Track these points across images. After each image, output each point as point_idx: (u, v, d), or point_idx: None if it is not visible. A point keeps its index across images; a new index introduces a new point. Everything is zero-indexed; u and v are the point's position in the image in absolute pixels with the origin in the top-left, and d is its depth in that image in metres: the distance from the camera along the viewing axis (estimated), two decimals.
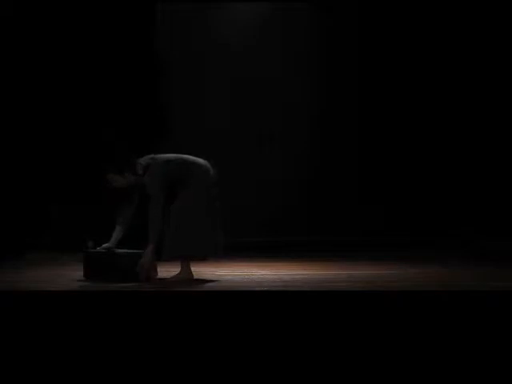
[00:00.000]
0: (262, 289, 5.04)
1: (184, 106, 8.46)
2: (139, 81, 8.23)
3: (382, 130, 8.45)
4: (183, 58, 8.49)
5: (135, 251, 5.50)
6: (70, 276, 5.60)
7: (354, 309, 4.56)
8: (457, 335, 4.47)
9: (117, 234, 5.56)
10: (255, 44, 8.54)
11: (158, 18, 8.45)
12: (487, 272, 6.06)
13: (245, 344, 4.45)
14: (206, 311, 4.53)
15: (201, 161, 5.64)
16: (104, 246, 5.53)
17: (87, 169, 8.07)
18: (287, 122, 8.56)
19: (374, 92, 8.48)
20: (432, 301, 4.60)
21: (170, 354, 4.43)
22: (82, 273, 5.51)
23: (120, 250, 5.53)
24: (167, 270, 6.02)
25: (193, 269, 5.70)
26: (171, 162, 5.53)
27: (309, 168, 8.54)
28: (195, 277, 5.62)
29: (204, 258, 5.64)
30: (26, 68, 7.96)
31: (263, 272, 6.07)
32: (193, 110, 8.50)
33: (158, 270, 5.61)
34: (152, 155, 5.57)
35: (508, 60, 8.17)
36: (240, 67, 8.53)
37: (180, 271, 5.57)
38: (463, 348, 4.45)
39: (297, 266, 6.59)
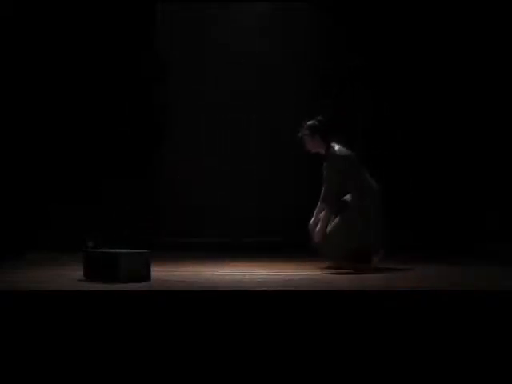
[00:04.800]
0: (262, 289, 5.04)
1: (184, 105, 8.47)
2: (139, 81, 8.24)
3: (382, 129, 8.44)
4: (183, 58, 8.49)
5: (135, 251, 5.50)
6: (69, 276, 5.59)
7: (353, 309, 4.55)
8: (457, 335, 4.47)
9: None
10: (255, 44, 8.54)
11: (158, 18, 8.46)
12: (487, 272, 6.06)
13: (244, 344, 4.45)
14: (205, 311, 4.53)
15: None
16: None
17: (87, 168, 8.11)
18: (287, 121, 8.55)
19: (373, 92, 8.48)
20: (432, 301, 4.59)
21: (169, 355, 4.43)
22: (82, 273, 5.51)
23: (120, 250, 5.53)
24: (165, 270, 6.03)
25: (192, 269, 5.66)
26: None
27: (309, 169, 8.52)
28: (194, 277, 5.62)
29: None
30: (25, 68, 7.97)
31: (263, 272, 6.06)
32: (193, 110, 8.50)
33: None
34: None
35: (503, 61, 8.18)
36: (240, 67, 8.53)
37: None
38: (463, 348, 4.45)
39: (296, 265, 6.59)
